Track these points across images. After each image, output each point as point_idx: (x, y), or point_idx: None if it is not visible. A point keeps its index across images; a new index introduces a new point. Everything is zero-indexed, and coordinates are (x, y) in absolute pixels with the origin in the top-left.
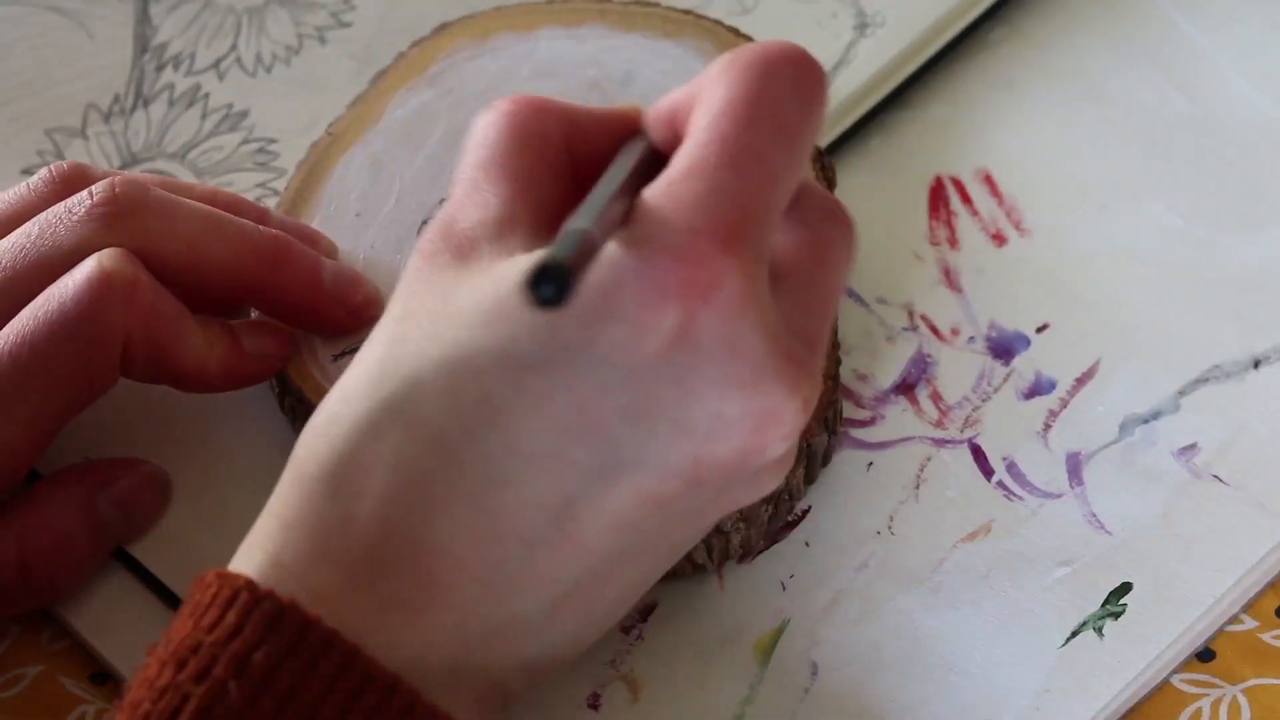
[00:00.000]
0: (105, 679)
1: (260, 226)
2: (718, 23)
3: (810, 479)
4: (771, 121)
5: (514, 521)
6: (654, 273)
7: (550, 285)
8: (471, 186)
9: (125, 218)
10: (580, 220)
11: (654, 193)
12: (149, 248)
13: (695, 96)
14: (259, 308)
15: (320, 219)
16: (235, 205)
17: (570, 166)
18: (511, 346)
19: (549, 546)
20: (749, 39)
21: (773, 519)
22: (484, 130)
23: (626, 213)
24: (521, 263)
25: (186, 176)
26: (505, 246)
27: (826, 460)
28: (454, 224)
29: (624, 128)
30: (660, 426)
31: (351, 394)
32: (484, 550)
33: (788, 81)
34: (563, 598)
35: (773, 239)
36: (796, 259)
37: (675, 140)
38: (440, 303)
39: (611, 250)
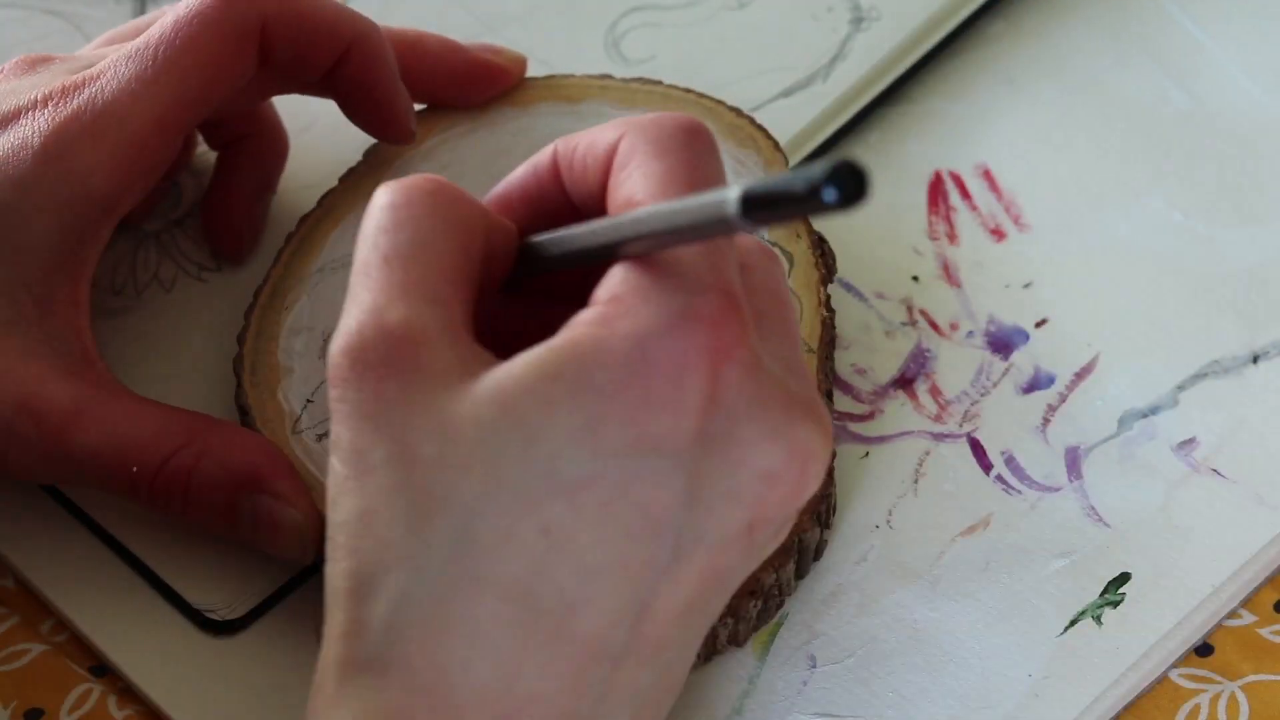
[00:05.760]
0: (105, 671)
1: None
2: (719, 102)
3: (801, 574)
4: (709, 184)
5: (596, 641)
6: (684, 344)
7: (851, 179)
8: (398, 280)
9: None
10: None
11: (640, 265)
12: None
13: (601, 157)
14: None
15: (308, 296)
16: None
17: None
18: (557, 469)
19: (630, 655)
20: (750, 120)
21: (761, 614)
22: (398, 209)
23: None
24: (532, 361)
25: (183, 179)
26: (459, 356)
27: (818, 555)
28: (384, 327)
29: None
30: (715, 501)
31: (400, 563)
32: (571, 680)
33: (703, 146)
34: (643, 704)
35: None
36: (751, 299)
37: (583, 192)
38: (428, 440)
39: (629, 331)
